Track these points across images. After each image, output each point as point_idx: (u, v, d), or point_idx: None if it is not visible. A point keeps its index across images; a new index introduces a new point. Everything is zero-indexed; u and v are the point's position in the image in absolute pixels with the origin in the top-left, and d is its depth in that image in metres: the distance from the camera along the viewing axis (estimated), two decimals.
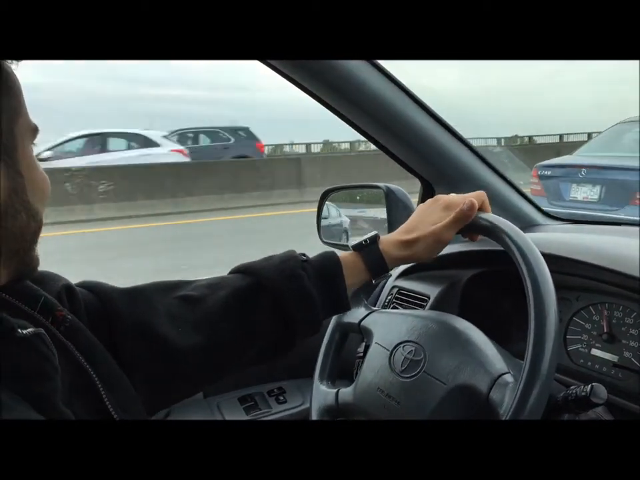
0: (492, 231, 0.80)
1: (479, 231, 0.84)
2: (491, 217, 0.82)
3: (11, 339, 0.50)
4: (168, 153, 10.18)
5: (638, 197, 4.65)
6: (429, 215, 0.86)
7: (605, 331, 0.91)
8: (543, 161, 5.66)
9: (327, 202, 1.37)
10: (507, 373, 0.73)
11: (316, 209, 1.35)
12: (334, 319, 0.97)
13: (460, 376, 0.75)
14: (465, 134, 1.13)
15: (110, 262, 5.38)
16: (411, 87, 1.06)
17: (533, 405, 0.64)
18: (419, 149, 1.12)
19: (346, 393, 0.89)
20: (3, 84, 0.54)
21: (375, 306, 1.17)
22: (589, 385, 0.65)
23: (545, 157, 5.95)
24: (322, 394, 0.93)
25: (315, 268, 0.80)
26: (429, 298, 1.13)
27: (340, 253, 0.84)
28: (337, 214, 1.39)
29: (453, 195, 0.88)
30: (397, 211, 1.18)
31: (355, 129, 1.11)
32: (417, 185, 1.26)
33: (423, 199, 1.21)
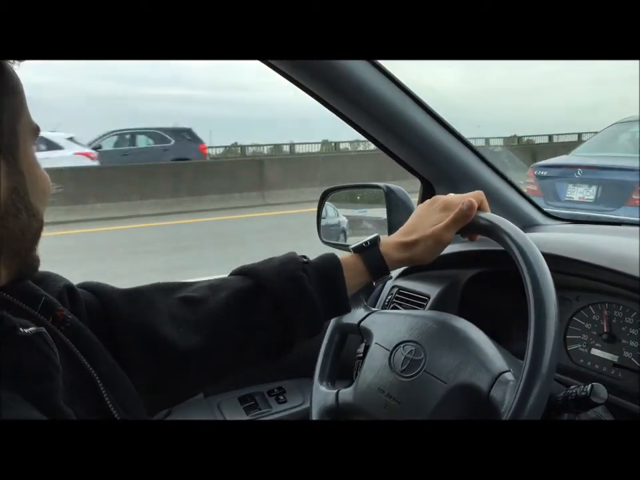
0: (492, 231, 0.80)
1: (479, 230, 0.84)
2: (490, 216, 0.82)
3: (12, 338, 0.50)
4: (71, 156, 9.77)
5: (634, 197, 4.65)
6: (428, 216, 0.86)
7: (605, 330, 0.91)
8: (542, 160, 5.66)
9: (326, 202, 1.37)
10: (507, 371, 0.73)
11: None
12: (333, 320, 0.97)
13: (460, 375, 0.75)
14: (463, 133, 1.13)
15: None
16: (411, 87, 1.06)
17: (533, 404, 0.64)
18: (419, 149, 1.12)
19: (346, 393, 0.89)
20: (5, 84, 0.54)
21: (374, 306, 1.17)
22: (589, 385, 0.65)
23: (544, 157, 5.95)
24: (322, 395, 0.93)
25: (316, 270, 0.80)
26: (429, 298, 1.13)
27: (340, 255, 0.85)
28: (334, 214, 1.39)
29: (451, 195, 0.88)
30: (397, 211, 1.18)
31: (355, 129, 1.11)
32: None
33: (423, 199, 1.21)
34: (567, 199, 5.04)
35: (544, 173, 5.32)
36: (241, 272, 0.82)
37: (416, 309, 1.14)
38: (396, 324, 0.89)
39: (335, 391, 0.91)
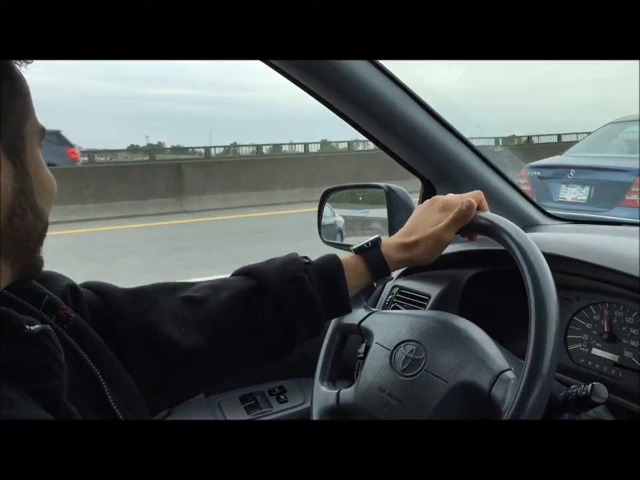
0: (492, 230, 0.80)
1: (479, 230, 0.84)
2: (490, 216, 0.82)
3: (18, 335, 0.50)
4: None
5: (627, 198, 4.64)
6: (428, 217, 0.86)
7: (606, 330, 0.91)
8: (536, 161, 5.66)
9: (326, 202, 1.37)
10: (508, 369, 0.73)
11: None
12: (334, 320, 0.97)
13: (461, 373, 0.76)
14: (463, 133, 1.13)
15: None
16: (411, 87, 1.06)
17: (534, 403, 0.64)
18: (419, 149, 1.12)
19: (347, 393, 0.90)
20: (12, 86, 0.54)
21: (375, 307, 1.17)
22: (590, 385, 0.65)
23: (543, 157, 5.94)
24: (323, 395, 0.93)
25: (317, 270, 0.80)
26: (430, 298, 1.13)
27: (341, 255, 0.85)
28: (330, 214, 1.39)
29: (450, 195, 0.88)
30: (398, 211, 1.18)
31: (356, 129, 1.11)
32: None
33: (423, 199, 1.21)
34: (559, 199, 5.03)
35: (537, 173, 5.32)
36: (243, 272, 0.82)
37: (417, 308, 1.14)
38: (397, 324, 0.89)
39: (336, 390, 0.92)
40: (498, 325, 0.92)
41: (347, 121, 1.09)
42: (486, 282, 1.09)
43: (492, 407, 0.70)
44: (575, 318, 0.96)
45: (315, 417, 0.92)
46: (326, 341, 0.98)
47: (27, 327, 0.51)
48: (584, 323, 0.94)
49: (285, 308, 0.77)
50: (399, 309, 1.19)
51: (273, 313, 0.78)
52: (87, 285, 0.73)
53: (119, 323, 0.70)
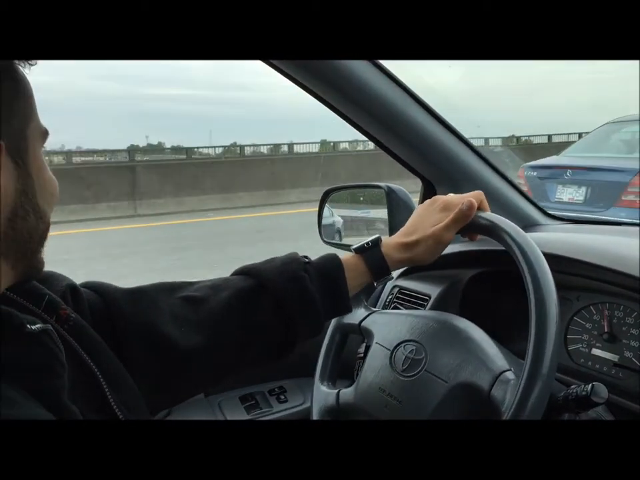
0: (492, 230, 0.80)
1: (479, 230, 0.84)
2: (490, 216, 0.82)
3: (19, 335, 0.50)
4: None
5: (623, 198, 4.64)
6: (428, 217, 0.86)
7: (606, 330, 0.91)
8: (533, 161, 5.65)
9: (327, 202, 1.37)
10: (508, 370, 0.73)
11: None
12: (334, 320, 0.97)
13: (461, 374, 0.76)
14: (463, 133, 1.13)
15: None
16: (411, 87, 1.06)
17: (534, 404, 0.64)
18: (420, 149, 1.12)
19: (347, 393, 0.90)
20: (16, 88, 0.55)
21: (375, 306, 1.17)
22: (590, 385, 0.65)
23: (542, 157, 5.94)
24: (323, 395, 0.93)
25: (317, 270, 0.80)
26: (430, 298, 1.13)
27: (342, 255, 0.85)
28: (329, 214, 1.39)
29: (450, 195, 0.88)
30: (398, 211, 1.18)
31: (357, 129, 1.11)
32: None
33: (424, 199, 1.21)
34: (556, 199, 5.03)
35: (534, 173, 5.32)
36: (243, 272, 0.82)
37: (417, 308, 1.14)
38: (397, 324, 0.89)
39: (336, 390, 0.92)
40: (498, 325, 0.92)
41: (347, 121, 1.09)
42: (486, 282, 1.09)
43: (492, 408, 0.70)
44: (575, 318, 0.96)
45: (314, 416, 0.92)
46: (326, 341, 0.98)
47: (28, 326, 0.51)
48: (584, 323, 0.94)
49: (285, 307, 0.77)
50: (399, 308, 1.19)
51: (273, 313, 0.78)
52: (87, 285, 0.73)
53: (119, 322, 0.70)
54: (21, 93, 0.55)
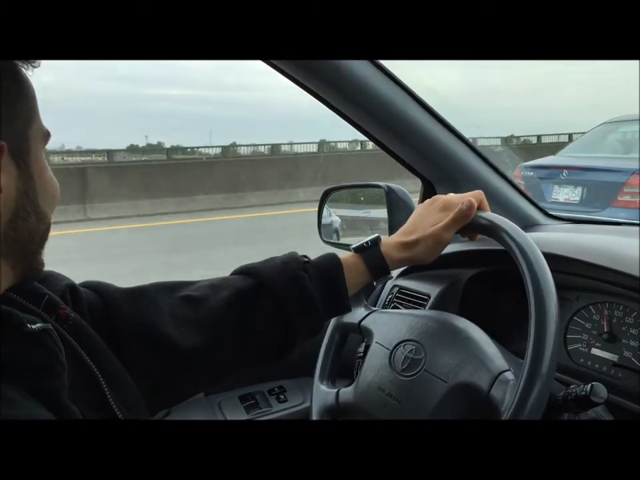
0: (492, 230, 0.80)
1: (479, 230, 0.84)
2: (490, 215, 0.82)
3: (20, 334, 0.50)
4: None
5: (619, 198, 4.63)
6: (428, 216, 0.86)
7: (605, 330, 0.91)
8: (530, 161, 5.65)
9: (326, 202, 1.37)
10: (507, 370, 0.73)
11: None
12: (334, 319, 0.97)
13: (461, 374, 0.76)
14: (463, 133, 1.13)
15: None
16: (411, 87, 1.06)
17: (534, 403, 0.64)
18: (420, 149, 1.12)
19: (346, 392, 0.90)
20: (19, 89, 0.55)
21: (374, 306, 1.17)
22: (589, 384, 0.65)
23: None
24: (322, 394, 0.93)
25: (317, 269, 0.80)
26: (430, 297, 1.13)
27: (341, 255, 0.85)
28: (327, 213, 1.39)
29: (450, 194, 0.88)
30: (398, 211, 1.18)
31: (357, 129, 1.11)
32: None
33: (423, 199, 1.21)
34: (552, 200, 5.02)
35: (530, 173, 5.31)
36: (242, 271, 0.82)
37: (416, 308, 1.14)
38: (396, 323, 0.89)
39: (335, 390, 0.92)
40: (498, 325, 0.92)
41: (347, 121, 1.09)
42: (486, 282, 1.09)
43: (491, 408, 0.70)
44: (574, 318, 0.96)
45: (314, 415, 0.92)
46: (326, 340, 0.98)
47: (29, 325, 0.51)
48: (583, 322, 0.95)
49: (285, 307, 0.77)
50: (398, 308, 1.19)
51: (273, 312, 0.78)
52: (87, 285, 0.73)
53: (118, 322, 0.70)
54: (23, 95, 0.55)
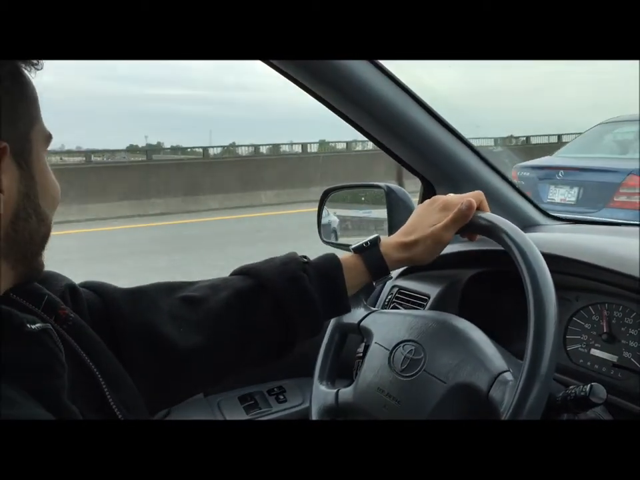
0: (491, 231, 0.80)
1: (478, 230, 0.84)
2: (490, 216, 0.82)
3: (19, 334, 0.50)
4: None
5: (615, 199, 4.63)
6: (427, 217, 0.86)
7: (605, 331, 0.91)
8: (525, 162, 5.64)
9: (326, 202, 1.37)
10: (506, 371, 0.73)
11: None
12: (333, 319, 0.97)
13: (460, 374, 0.76)
14: (463, 133, 1.13)
15: None
16: (411, 87, 1.06)
17: (533, 404, 0.64)
18: (420, 149, 1.12)
19: (346, 392, 0.90)
20: (22, 91, 0.55)
21: (374, 306, 1.17)
22: (588, 385, 0.65)
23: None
24: (322, 394, 0.93)
25: (316, 270, 0.80)
26: (429, 298, 1.13)
27: (341, 255, 0.85)
28: (325, 213, 1.39)
29: (450, 195, 0.88)
30: (398, 211, 1.18)
31: (357, 129, 1.11)
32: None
33: (423, 199, 1.21)
34: (548, 200, 5.01)
35: (527, 174, 5.30)
36: (242, 272, 0.82)
37: (416, 308, 1.14)
38: (396, 323, 0.89)
39: (335, 390, 0.92)
40: (497, 326, 0.92)
41: (347, 121, 1.09)
42: (485, 282, 1.09)
43: (490, 408, 0.70)
44: (574, 318, 0.96)
45: (313, 415, 0.92)
46: (325, 340, 0.98)
47: (28, 325, 0.51)
48: (583, 323, 0.94)
49: (285, 307, 0.77)
50: (398, 308, 1.19)
51: (273, 313, 0.78)
52: (86, 285, 0.73)
53: (118, 322, 0.70)
54: (26, 97, 0.56)
